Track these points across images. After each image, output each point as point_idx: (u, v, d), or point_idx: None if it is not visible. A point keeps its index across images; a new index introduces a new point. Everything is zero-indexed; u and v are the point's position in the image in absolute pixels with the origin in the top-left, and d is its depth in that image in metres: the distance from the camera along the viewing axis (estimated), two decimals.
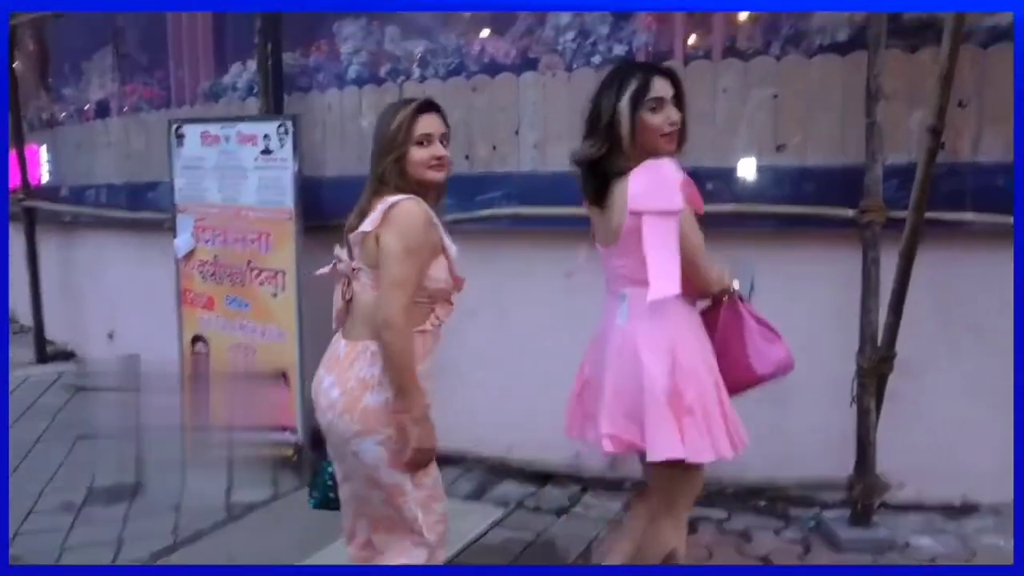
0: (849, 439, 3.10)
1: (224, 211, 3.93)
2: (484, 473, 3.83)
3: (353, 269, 2.08)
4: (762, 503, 3.41)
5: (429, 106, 2.09)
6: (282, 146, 3.67)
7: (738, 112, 3.36)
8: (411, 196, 2.02)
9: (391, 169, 2.03)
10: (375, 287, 2.02)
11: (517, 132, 3.69)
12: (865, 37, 3.02)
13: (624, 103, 2.05)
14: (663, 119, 2.06)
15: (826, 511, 3.29)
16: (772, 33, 3.32)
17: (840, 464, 3.14)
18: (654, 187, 2.03)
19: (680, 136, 2.12)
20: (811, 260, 3.29)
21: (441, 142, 2.07)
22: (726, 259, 2.26)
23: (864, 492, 3.02)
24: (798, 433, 3.28)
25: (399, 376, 1.96)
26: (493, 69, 3.74)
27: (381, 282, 1.98)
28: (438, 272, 2.05)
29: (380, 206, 2.01)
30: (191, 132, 4.01)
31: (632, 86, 2.05)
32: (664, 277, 2.00)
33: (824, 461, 3.25)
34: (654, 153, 2.06)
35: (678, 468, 2.08)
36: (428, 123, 2.06)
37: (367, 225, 2.00)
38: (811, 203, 3.21)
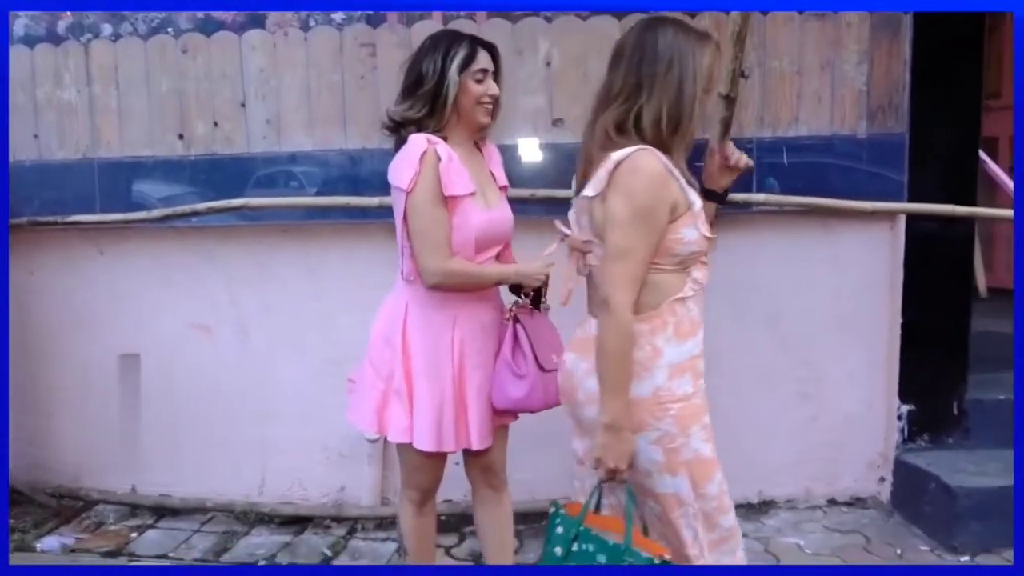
0: None
1: None
2: (228, 523, 3.15)
3: (584, 241, 1.80)
4: None
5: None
6: None
7: (508, 82, 2.91)
8: (644, 147, 1.69)
9: (688, 116, 1.72)
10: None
11: (243, 105, 3.01)
12: None
13: (453, 69, 2.05)
14: (484, 89, 2.09)
15: None
16: None
17: None
18: (397, 161, 2.06)
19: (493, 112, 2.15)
20: None
21: None
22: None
23: None
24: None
25: (608, 367, 1.67)
26: (209, 27, 3.02)
27: (605, 254, 1.70)
28: (687, 233, 1.72)
29: (606, 164, 1.70)
30: None
31: (461, 54, 2.07)
32: (400, 254, 2.11)
33: None
34: (470, 121, 2.11)
35: (404, 446, 2.13)
36: None
37: (590, 189, 1.73)
38: None
